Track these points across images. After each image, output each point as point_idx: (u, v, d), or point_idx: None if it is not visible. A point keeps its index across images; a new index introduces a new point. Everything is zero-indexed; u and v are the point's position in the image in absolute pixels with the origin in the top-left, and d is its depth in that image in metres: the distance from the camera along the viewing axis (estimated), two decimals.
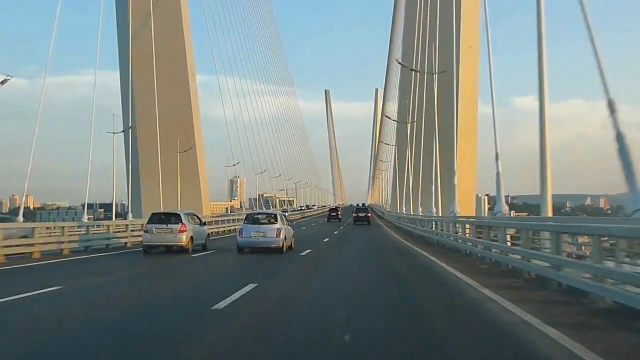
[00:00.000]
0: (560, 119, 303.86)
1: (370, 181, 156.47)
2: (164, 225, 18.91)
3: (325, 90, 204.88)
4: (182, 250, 18.99)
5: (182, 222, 18.96)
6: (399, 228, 42.33)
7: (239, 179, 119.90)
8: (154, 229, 18.89)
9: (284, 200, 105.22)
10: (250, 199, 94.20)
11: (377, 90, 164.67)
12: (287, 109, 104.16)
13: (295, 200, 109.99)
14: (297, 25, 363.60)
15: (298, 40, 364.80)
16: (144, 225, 19.96)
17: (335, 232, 36.83)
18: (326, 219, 65.96)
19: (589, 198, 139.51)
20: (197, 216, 21.47)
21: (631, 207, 9.66)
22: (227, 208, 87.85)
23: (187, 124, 58.52)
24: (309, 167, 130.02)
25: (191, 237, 19.29)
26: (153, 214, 20.11)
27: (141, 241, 20.10)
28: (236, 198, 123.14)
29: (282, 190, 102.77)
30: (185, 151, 54.53)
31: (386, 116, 71.42)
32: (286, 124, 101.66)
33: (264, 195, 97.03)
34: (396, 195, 60.45)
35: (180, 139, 54.47)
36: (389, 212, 70.40)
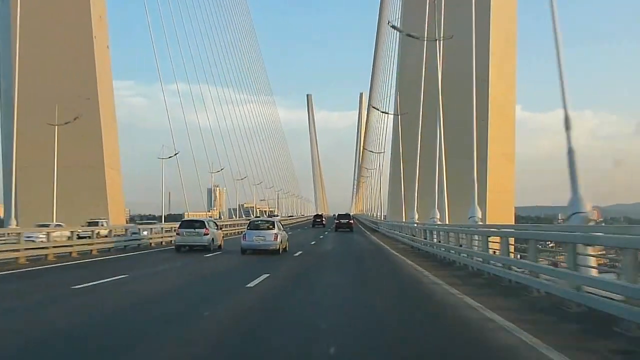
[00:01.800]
0: (546, 129, 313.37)
1: (354, 191, 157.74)
2: (192, 230, 24.48)
3: (307, 95, 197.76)
4: (204, 249, 24.41)
5: (206, 227, 24.63)
6: (448, 265, 18.52)
7: (218, 188, 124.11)
8: (184, 232, 24.57)
9: (265, 211, 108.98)
10: (230, 209, 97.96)
11: (361, 94, 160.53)
12: (264, 115, 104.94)
13: (276, 209, 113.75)
14: (279, 32, 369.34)
15: (279, 48, 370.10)
16: (176, 229, 25.50)
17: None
18: (311, 225, 72.79)
19: None
20: (215, 222, 27.54)
21: (570, 210, 12.08)
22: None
23: (86, 90, 43.14)
24: (288, 174, 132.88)
25: (212, 239, 24.90)
26: (183, 220, 26.34)
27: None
28: (215, 208, 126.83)
29: (263, 200, 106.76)
30: (66, 123, 38.35)
31: (392, 26, 45.19)
32: (263, 131, 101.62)
33: (245, 205, 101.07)
34: (399, 197, 45.27)
35: (73, 111, 39.47)
36: (387, 222, 52.87)
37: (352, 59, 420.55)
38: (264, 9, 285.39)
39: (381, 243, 33.72)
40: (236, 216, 79.31)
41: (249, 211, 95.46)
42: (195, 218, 27.60)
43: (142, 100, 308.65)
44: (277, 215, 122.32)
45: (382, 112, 59.71)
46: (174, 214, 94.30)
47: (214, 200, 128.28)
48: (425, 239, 24.56)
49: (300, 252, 24.22)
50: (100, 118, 44.05)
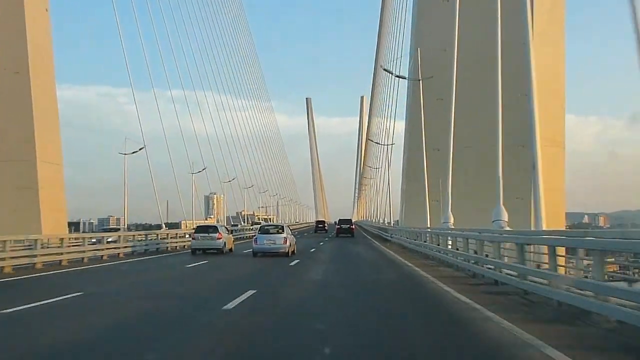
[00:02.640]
0: None
1: (356, 197, 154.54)
2: (206, 234, 27.31)
3: (307, 98, 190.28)
4: (217, 252, 26.84)
5: (219, 232, 27.45)
6: None
7: (215, 196, 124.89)
8: (199, 237, 27.35)
9: (260, 218, 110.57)
10: (229, 216, 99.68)
11: (362, 97, 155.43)
12: (261, 120, 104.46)
13: (274, 217, 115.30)
14: (276, 32, 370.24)
15: (277, 49, 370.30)
16: (192, 234, 28.48)
17: None
18: (307, 232, 74.84)
19: (586, 216, 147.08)
20: (226, 227, 30.66)
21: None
22: (194, 228, 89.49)
23: (14, 63, 34.22)
24: (287, 180, 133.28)
25: (225, 242, 27.49)
26: (198, 226, 29.03)
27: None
28: (212, 216, 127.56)
29: (262, 207, 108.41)
30: None
31: None
32: (260, 136, 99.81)
33: (242, 212, 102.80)
34: (417, 196, 34.66)
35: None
36: (405, 228, 37.24)
37: (351, 60, 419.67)
38: (261, 8, 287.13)
39: (407, 262, 22.11)
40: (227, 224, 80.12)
41: (238, 218, 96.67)
42: (208, 224, 31.46)
43: (138, 108, 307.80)
44: (268, 220, 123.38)
45: (397, 77, 46.75)
46: (172, 222, 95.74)
47: (211, 208, 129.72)
48: (539, 267, 11.79)
49: (251, 294, 11.95)
50: (31, 98, 34.58)
